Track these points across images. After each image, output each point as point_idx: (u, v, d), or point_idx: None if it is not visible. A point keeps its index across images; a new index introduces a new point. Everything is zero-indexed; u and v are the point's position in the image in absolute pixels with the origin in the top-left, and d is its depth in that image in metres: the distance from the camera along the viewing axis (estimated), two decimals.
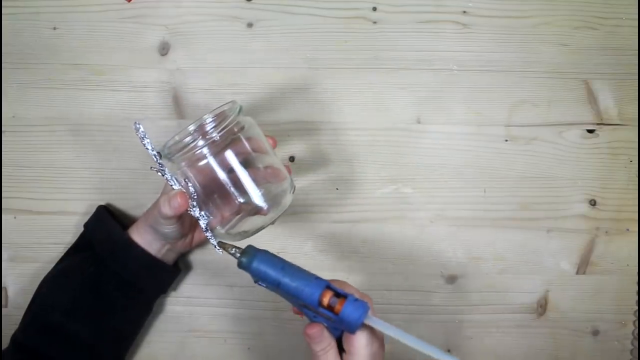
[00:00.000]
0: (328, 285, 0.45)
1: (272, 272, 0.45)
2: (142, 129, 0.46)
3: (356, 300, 0.44)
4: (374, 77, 0.61)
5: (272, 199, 0.48)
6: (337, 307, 0.44)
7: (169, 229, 0.51)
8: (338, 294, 0.44)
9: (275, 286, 0.45)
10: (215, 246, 0.48)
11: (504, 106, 0.61)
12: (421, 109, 0.61)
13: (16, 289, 0.61)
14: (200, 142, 0.46)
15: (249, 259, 0.46)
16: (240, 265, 0.46)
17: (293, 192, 0.51)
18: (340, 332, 0.46)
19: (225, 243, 0.48)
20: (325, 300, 0.44)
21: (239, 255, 0.47)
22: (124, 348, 0.57)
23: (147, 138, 0.46)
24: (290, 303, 0.47)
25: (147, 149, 0.46)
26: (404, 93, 0.61)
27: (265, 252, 0.47)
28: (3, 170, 0.60)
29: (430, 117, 0.61)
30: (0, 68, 0.60)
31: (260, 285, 0.46)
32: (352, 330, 0.44)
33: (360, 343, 0.44)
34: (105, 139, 0.60)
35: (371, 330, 0.45)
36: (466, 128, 0.61)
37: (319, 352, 0.46)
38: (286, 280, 0.45)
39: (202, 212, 0.48)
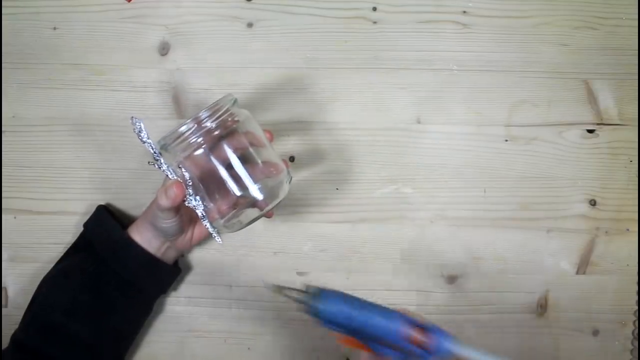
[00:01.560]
0: (409, 320, 0.41)
1: (344, 317, 0.41)
2: (138, 122, 0.46)
3: (441, 330, 0.41)
4: (374, 77, 0.61)
5: (269, 192, 0.48)
6: (423, 340, 0.40)
7: (168, 223, 0.51)
8: (417, 326, 0.41)
9: (349, 330, 0.41)
10: (213, 235, 0.48)
11: (504, 106, 0.61)
12: (421, 109, 0.61)
13: (16, 289, 0.61)
14: (195, 131, 0.46)
15: (316, 302, 0.41)
16: (309, 311, 0.42)
17: (289, 183, 0.51)
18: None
19: (283, 287, 0.43)
20: (413, 336, 0.41)
21: (305, 299, 0.42)
22: (124, 347, 0.57)
23: (144, 130, 0.46)
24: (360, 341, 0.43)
25: (145, 142, 0.47)
26: (404, 93, 0.61)
27: (331, 291, 0.42)
28: (3, 170, 0.60)
29: (430, 117, 0.61)
30: (0, 68, 0.60)
31: (327, 327, 0.42)
32: None
33: None
34: (105, 139, 0.60)
35: None
36: (466, 128, 0.61)
37: None
38: (362, 320, 0.41)
39: (198, 198, 0.48)
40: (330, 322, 0.41)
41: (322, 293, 0.42)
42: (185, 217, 0.52)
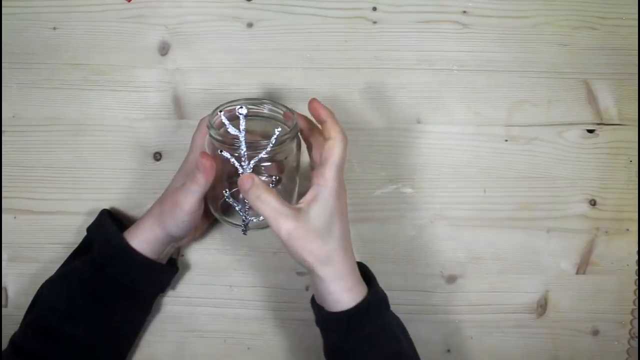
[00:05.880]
0: None
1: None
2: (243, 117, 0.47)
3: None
4: (374, 77, 0.61)
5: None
6: None
7: (191, 221, 0.51)
8: None
9: None
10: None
11: (503, 106, 0.61)
12: (421, 109, 0.61)
13: (16, 289, 0.61)
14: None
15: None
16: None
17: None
18: None
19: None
20: None
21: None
22: (125, 347, 0.57)
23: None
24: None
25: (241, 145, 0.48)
26: (404, 93, 0.61)
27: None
28: (3, 170, 0.60)
29: (430, 117, 0.61)
30: (0, 68, 0.60)
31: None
32: None
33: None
34: (105, 139, 0.60)
35: None
36: (466, 128, 0.61)
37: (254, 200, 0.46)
38: None
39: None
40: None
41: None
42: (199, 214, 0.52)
